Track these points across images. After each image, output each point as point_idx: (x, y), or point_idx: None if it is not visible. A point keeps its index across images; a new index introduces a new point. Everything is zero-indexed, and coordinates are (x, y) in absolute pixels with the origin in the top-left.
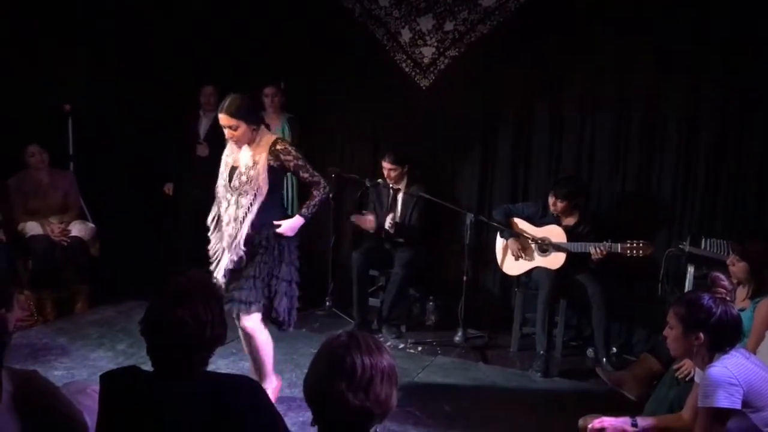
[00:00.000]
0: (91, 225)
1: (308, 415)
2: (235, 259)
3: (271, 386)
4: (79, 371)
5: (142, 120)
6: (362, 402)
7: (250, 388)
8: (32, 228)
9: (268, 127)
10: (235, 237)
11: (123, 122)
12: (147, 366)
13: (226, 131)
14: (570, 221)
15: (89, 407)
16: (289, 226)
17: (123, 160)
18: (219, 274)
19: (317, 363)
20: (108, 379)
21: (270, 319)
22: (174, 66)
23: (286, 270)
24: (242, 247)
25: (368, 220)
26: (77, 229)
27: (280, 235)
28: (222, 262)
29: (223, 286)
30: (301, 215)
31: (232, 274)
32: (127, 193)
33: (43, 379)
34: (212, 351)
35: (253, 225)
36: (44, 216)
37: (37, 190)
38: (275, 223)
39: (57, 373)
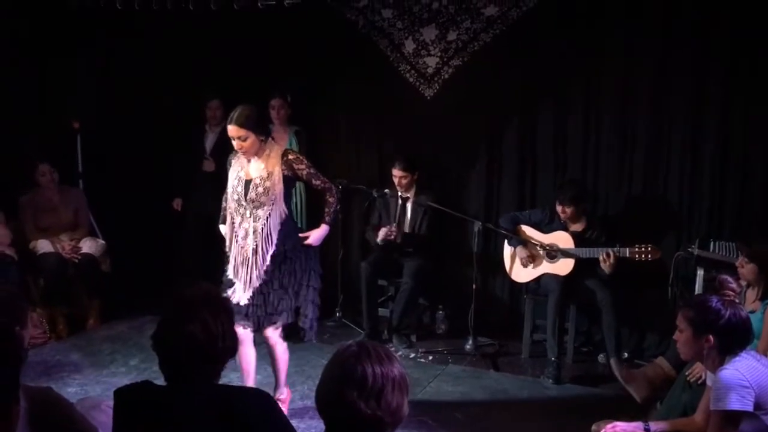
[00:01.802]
0: (102, 241)
1: (321, 426)
2: (263, 272)
3: (282, 396)
4: (93, 387)
5: (149, 136)
6: (374, 411)
7: (262, 399)
8: (43, 246)
9: (273, 139)
10: (260, 251)
11: (131, 139)
12: (160, 381)
13: (236, 142)
14: (578, 227)
15: (103, 423)
16: (317, 236)
17: (131, 176)
18: (244, 293)
19: (328, 373)
20: (121, 395)
21: (292, 329)
22: (180, 81)
23: (314, 277)
24: (268, 260)
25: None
26: (88, 245)
27: (304, 244)
28: (247, 279)
29: (249, 301)
30: (326, 223)
31: (260, 287)
32: (136, 209)
33: (57, 395)
34: (224, 363)
35: (274, 237)
36: (55, 233)
37: (48, 208)
38: (302, 235)
39: (71, 390)
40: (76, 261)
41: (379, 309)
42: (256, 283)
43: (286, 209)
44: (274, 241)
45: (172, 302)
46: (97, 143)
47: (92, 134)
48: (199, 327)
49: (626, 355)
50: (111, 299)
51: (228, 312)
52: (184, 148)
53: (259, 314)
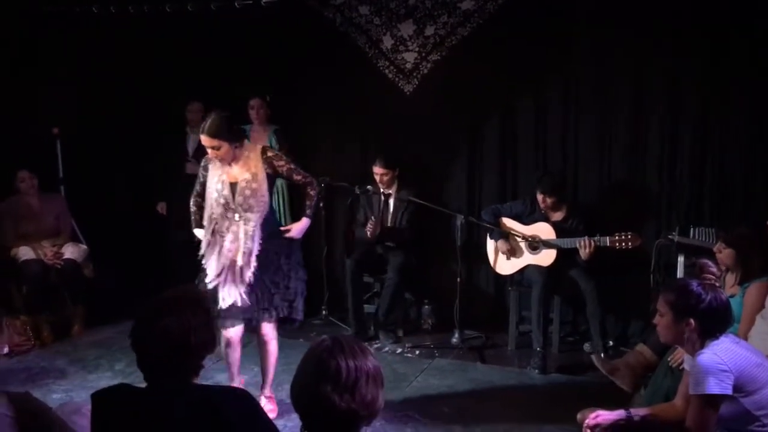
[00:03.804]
0: (84, 246)
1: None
2: (253, 271)
3: (270, 393)
4: (78, 393)
5: (130, 140)
6: (348, 404)
7: (244, 399)
8: (25, 252)
9: (247, 138)
10: (249, 251)
11: (111, 143)
12: (144, 384)
13: (210, 152)
14: (558, 216)
15: (84, 427)
16: (298, 229)
17: (113, 180)
18: (235, 293)
19: (303, 368)
20: (98, 398)
21: (282, 320)
22: (160, 84)
23: (302, 271)
24: (254, 260)
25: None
26: (70, 251)
27: (288, 239)
28: (239, 280)
29: (241, 302)
30: (307, 216)
31: (251, 286)
32: (118, 212)
33: (36, 400)
34: (200, 358)
35: (261, 236)
36: (36, 240)
37: (29, 214)
38: (283, 228)
39: (55, 396)
40: (59, 267)
41: (365, 305)
42: (247, 281)
43: (270, 207)
44: (259, 240)
45: (151, 301)
46: (77, 148)
47: (72, 139)
48: (173, 321)
49: (611, 343)
50: (95, 304)
51: (205, 309)
52: (166, 151)
53: (252, 312)
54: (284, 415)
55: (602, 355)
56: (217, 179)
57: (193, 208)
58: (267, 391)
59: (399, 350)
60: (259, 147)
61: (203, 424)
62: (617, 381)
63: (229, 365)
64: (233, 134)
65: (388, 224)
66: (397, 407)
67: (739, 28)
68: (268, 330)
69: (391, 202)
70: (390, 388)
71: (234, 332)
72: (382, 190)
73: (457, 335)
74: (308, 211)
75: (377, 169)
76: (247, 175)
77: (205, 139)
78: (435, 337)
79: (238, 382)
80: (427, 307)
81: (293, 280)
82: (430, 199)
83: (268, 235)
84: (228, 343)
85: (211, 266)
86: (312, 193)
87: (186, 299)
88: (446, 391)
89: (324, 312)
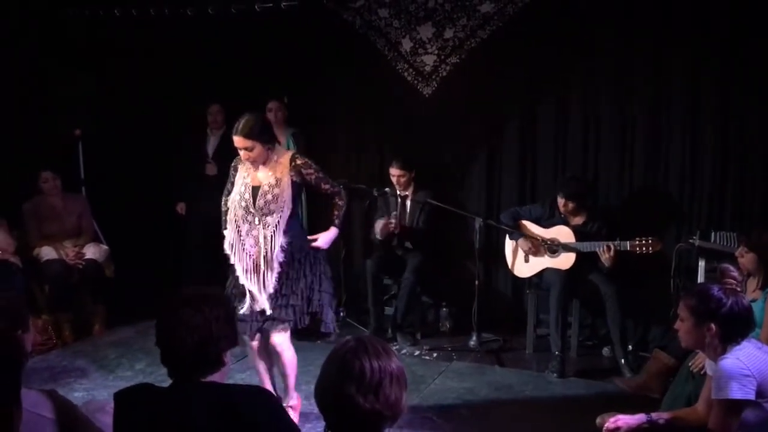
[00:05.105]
0: (105, 247)
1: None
2: (276, 278)
3: (292, 403)
4: (99, 392)
5: (150, 141)
6: (372, 405)
7: (265, 398)
8: (47, 253)
9: (278, 142)
10: (269, 258)
11: (132, 144)
12: (166, 384)
13: (242, 153)
14: (578, 220)
15: (108, 425)
16: (326, 239)
17: (134, 181)
18: (258, 299)
19: (327, 368)
20: (121, 398)
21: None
22: (180, 86)
23: (327, 283)
24: (277, 267)
25: (386, 224)
26: (91, 251)
27: (313, 249)
28: (261, 286)
29: (257, 308)
30: (335, 226)
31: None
32: (139, 213)
33: (62, 397)
34: (222, 350)
35: (283, 242)
36: (59, 240)
37: (51, 215)
38: (310, 237)
39: (77, 395)
40: (80, 267)
41: (384, 307)
42: (270, 290)
43: (294, 214)
44: (284, 247)
45: (170, 297)
46: (98, 149)
47: (93, 141)
48: (193, 313)
49: (630, 347)
50: (116, 304)
51: (222, 304)
52: (186, 153)
53: (265, 319)
54: (301, 417)
55: (623, 361)
56: (241, 181)
57: (224, 208)
58: (287, 401)
59: (417, 353)
60: (289, 153)
61: (225, 423)
62: (649, 394)
63: (259, 374)
64: (267, 135)
65: (405, 223)
66: (415, 409)
67: (759, 29)
68: (281, 340)
69: (408, 203)
70: (408, 390)
71: (253, 338)
72: (398, 191)
73: (474, 338)
74: (336, 221)
75: (394, 171)
76: (272, 180)
77: (238, 140)
78: (453, 340)
79: (268, 383)
80: (444, 309)
81: (316, 291)
82: (448, 201)
83: (291, 243)
84: (251, 349)
85: (239, 270)
86: (340, 202)
87: (202, 295)
88: (464, 394)
89: (342, 314)
